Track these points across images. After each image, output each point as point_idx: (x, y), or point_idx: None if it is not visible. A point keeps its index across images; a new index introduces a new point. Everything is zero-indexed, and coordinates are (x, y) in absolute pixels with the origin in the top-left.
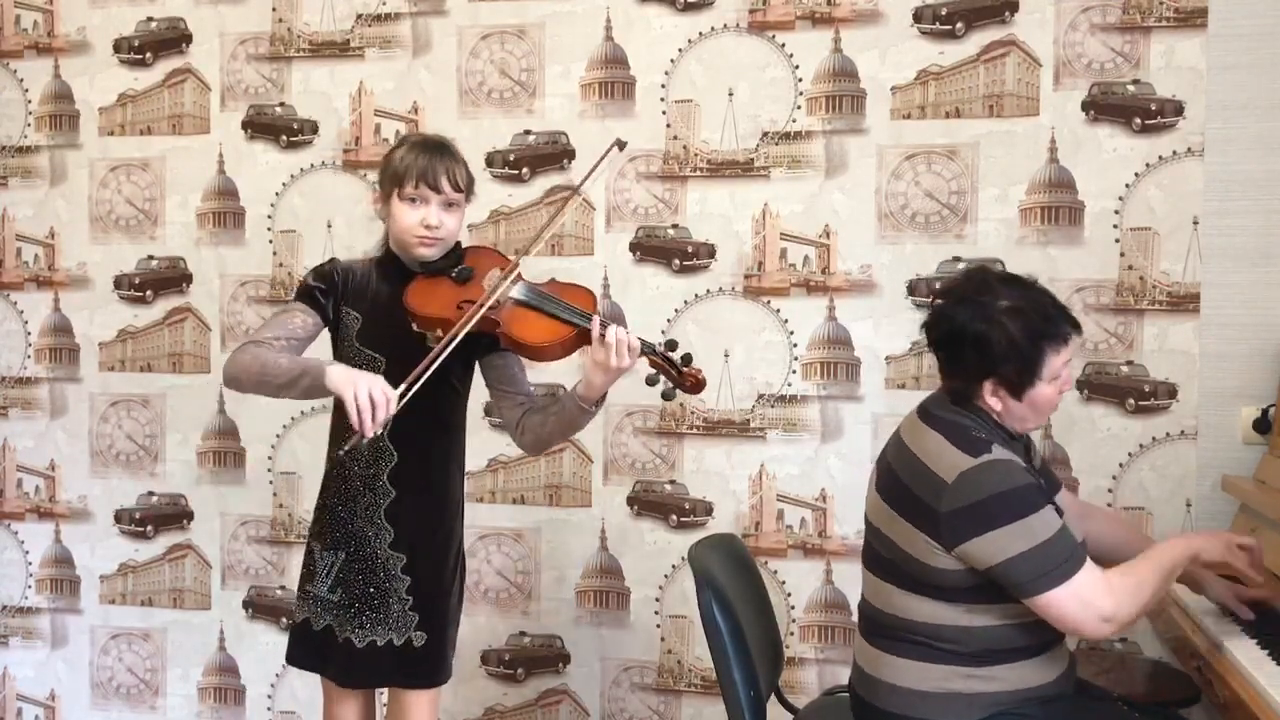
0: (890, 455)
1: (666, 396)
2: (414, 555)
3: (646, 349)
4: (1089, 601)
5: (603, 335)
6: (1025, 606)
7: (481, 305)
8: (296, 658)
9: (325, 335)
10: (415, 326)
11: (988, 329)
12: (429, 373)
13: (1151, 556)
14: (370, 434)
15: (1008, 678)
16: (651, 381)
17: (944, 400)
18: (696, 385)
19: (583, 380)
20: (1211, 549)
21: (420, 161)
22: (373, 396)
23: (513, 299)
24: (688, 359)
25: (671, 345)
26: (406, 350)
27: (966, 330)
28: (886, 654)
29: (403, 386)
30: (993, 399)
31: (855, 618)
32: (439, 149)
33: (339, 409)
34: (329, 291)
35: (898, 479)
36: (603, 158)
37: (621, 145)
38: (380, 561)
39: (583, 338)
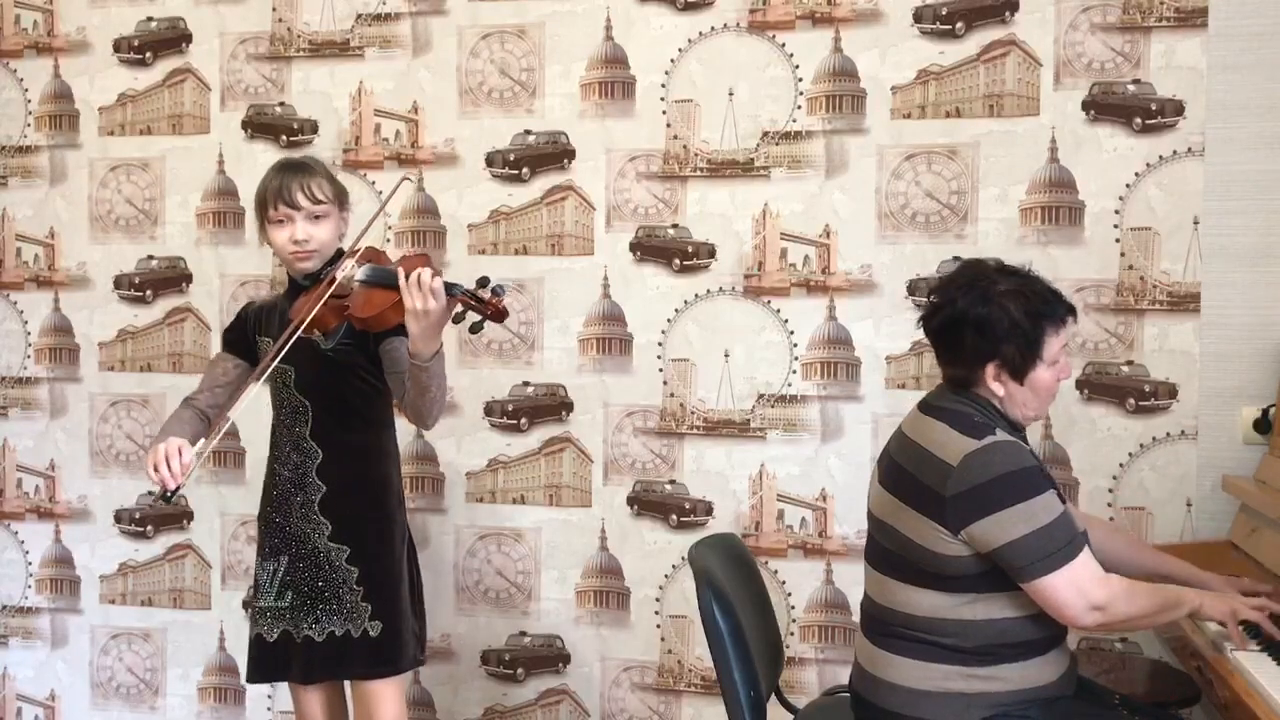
0: (893, 450)
1: (473, 330)
2: (356, 546)
3: (452, 289)
4: (1083, 588)
5: (407, 283)
6: (1028, 598)
7: (323, 295)
8: (255, 674)
9: None
10: (302, 334)
11: (988, 311)
12: (256, 386)
13: (1157, 585)
14: (171, 485)
15: (1009, 678)
16: (458, 319)
17: (944, 392)
18: (498, 314)
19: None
20: (1214, 610)
21: (274, 183)
22: (165, 452)
23: (358, 281)
24: (498, 291)
25: (483, 282)
26: (307, 356)
27: (967, 315)
28: (887, 652)
29: (202, 444)
30: (995, 383)
31: (855, 617)
32: (293, 167)
33: (271, 426)
34: (238, 332)
35: (902, 470)
36: (394, 189)
37: (410, 180)
38: (324, 555)
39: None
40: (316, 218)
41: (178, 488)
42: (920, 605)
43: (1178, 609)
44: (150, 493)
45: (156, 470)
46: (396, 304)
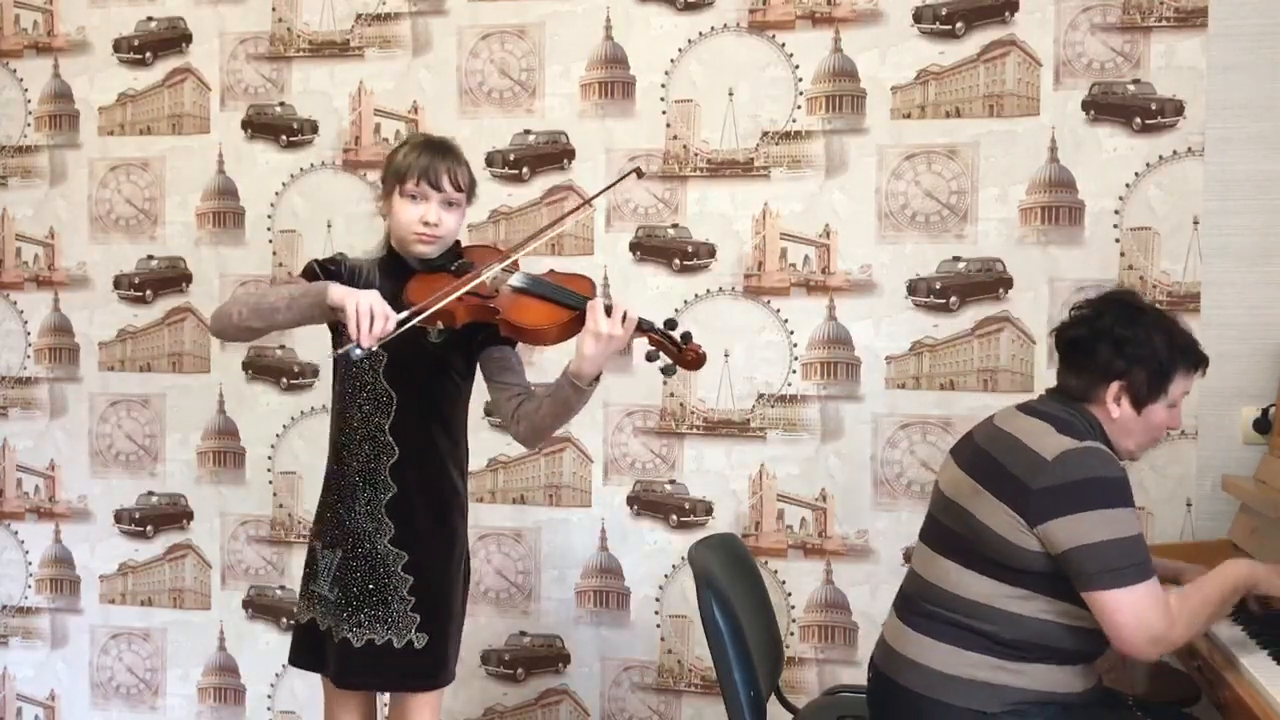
0: (979, 438)
1: (666, 372)
2: (415, 553)
3: (645, 325)
4: (1144, 616)
5: (591, 305)
6: (1078, 611)
7: (477, 275)
8: (298, 659)
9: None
10: (419, 322)
11: (1134, 332)
12: (435, 308)
13: (1213, 579)
14: (366, 344)
15: (1036, 677)
16: (651, 358)
17: (1050, 400)
18: (697, 361)
19: (575, 356)
20: (1272, 582)
21: (422, 160)
22: (374, 309)
23: (512, 287)
24: (687, 336)
25: (671, 324)
26: (406, 345)
27: (1112, 330)
28: (919, 633)
29: (404, 314)
30: (1113, 404)
31: (855, 617)
32: (442, 149)
33: (336, 409)
34: (335, 277)
35: (989, 456)
36: (620, 179)
37: (640, 174)
38: (380, 558)
39: (580, 321)
40: (450, 204)
41: (363, 351)
42: (971, 588)
43: (1234, 597)
44: (342, 351)
45: (359, 322)
46: (567, 323)
